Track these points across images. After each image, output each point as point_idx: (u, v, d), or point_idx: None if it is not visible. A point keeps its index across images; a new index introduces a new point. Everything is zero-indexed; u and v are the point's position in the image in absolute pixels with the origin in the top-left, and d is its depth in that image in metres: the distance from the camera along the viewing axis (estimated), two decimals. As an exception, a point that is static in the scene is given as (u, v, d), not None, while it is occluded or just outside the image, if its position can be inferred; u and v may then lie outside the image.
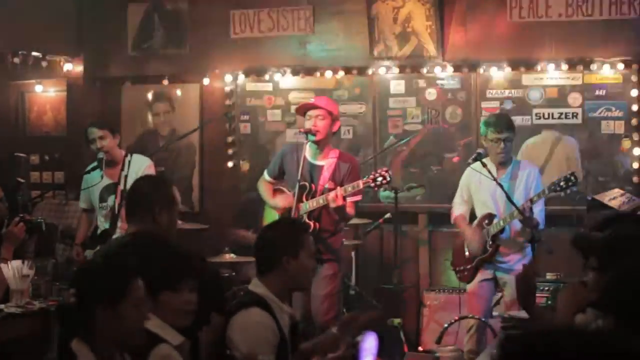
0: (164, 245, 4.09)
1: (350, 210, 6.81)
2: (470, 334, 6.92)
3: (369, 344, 3.35)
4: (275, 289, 4.24)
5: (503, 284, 6.96)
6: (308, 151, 6.93)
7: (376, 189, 6.85)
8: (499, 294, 7.18)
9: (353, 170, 6.88)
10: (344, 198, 6.61)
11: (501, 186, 6.63)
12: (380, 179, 6.65)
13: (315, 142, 6.85)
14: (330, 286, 6.75)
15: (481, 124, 7.13)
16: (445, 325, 6.56)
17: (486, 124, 6.97)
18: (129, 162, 7.37)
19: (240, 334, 4.01)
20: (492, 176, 6.66)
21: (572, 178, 6.57)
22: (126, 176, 7.31)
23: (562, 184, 6.56)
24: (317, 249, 6.62)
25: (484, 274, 7.00)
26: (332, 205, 6.61)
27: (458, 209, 7.22)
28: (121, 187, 7.29)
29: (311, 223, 6.77)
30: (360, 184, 6.66)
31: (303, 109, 7.00)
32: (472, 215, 7.19)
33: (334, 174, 6.86)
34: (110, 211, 7.37)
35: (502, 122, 6.90)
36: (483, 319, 6.57)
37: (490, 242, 6.86)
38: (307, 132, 6.83)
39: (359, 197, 6.93)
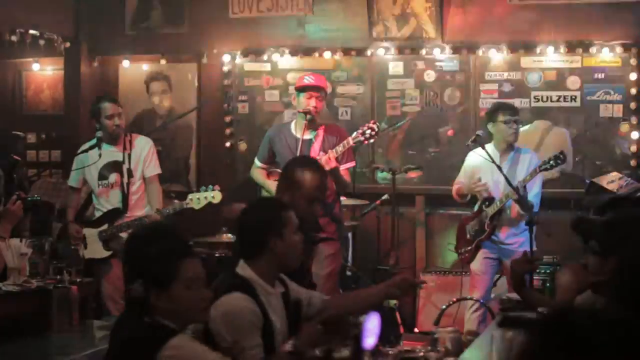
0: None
1: (346, 176, 6.85)
2: (472, 313, 6.99)
3: (372, 323, 3.35)
4: (263, 272, 4.11)
5: (506, 265, 7.02)
6: (296, 128, 6.98)
7: (366, 142, 6.85)
8: (498, 276, 7.28)
9: (341, 139, 6.91)
10: (337, 160, 6.65)
11: (500, 169, 6.67)
12: (368, 131, 6.70)
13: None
14: (332, 266, 6.75)
15: (487, 113, 7.26)
16: (444, 306, 6.58)
17: (496, 109, 7.11)
18: (130, 141, 7.40)
19: (222, 321, 3.89)
20: (491, 159, 6.71)
21: (561, 156, 6.68)
22: (130, 155, 7.35)
23: (551, 162, 6.68)
24: (315, 227, 6.62)
25: (486, 253, 7.08)
26: (326, 167, 6.64)
27: (457, 184, 7.34)
28: (126, 165, 7.32)
29: None
30: (350, 140, 6.72)
31: (305, 89, 6.99)
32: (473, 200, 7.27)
33: (323, 145, 6.90)
34: (112, 189, 7.38)
35: (511, 106, 7.11)
36: (481, 301, 6.58)
37: (488, 222, 6.93)
38: (307, 113, 6.85)
39: (352, 164, 6.98)
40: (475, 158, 7.14)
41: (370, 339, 3.35)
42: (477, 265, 7.17)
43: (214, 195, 7.02)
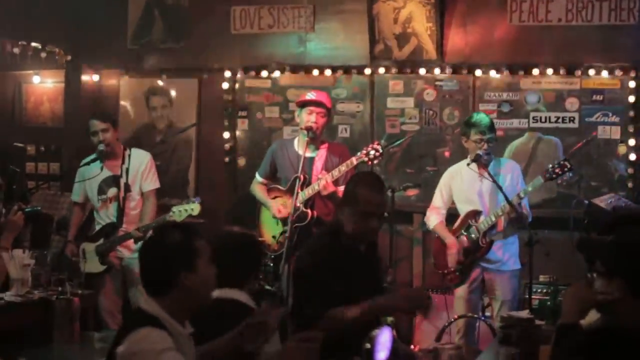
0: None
1: None
2: (460, 335, 6.96)
3: (384, 337, 3.38)
4: (172, 310, 3.63)
5: (492, 284, 6.99)
6: (299, 145, 7.03)
7: (370, 163, 6.86)
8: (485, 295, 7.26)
9: (344, 159, 6.95)
10: (338, 181, 6.74)
11: (500, 187, 6.66)
12: (373, 152, 6.72)
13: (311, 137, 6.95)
14: None
15: (461, 127, 7.19)
16: (446, 323, 6.60)
17: (469, 124, 7.00)
18: (129, 155, 7.43)
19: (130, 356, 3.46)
20: (492, 177, 6.72)
21: (567, 164, 6.61)
22: (127, 169, 7.37)
23: (557, 170, 6.61)
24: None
25: (472, 275, 7.03)
26: (324, 193, 6.71)
27: (436, 215, 7.23)
28: (123, 180, 7.34)
29: (308, 211, 6.85)
30: (354, 160, 6.75)
31: (306, 104, 7.05)
32: (451, 215, 7.30)
33: (326, 164, 6.97)
34: (110, 203, 7.40)
35: (485, 124, 6.93)
36: (482, 317, 6.58)
37: (483, 240, 6.90)
38: (309, 130, 6.90)
39: None
40: (456, 173, 7.13)
41: (382, 353, 3.38)
42: (463, 291, 7.02)
43: (193, 208, 7.06)
